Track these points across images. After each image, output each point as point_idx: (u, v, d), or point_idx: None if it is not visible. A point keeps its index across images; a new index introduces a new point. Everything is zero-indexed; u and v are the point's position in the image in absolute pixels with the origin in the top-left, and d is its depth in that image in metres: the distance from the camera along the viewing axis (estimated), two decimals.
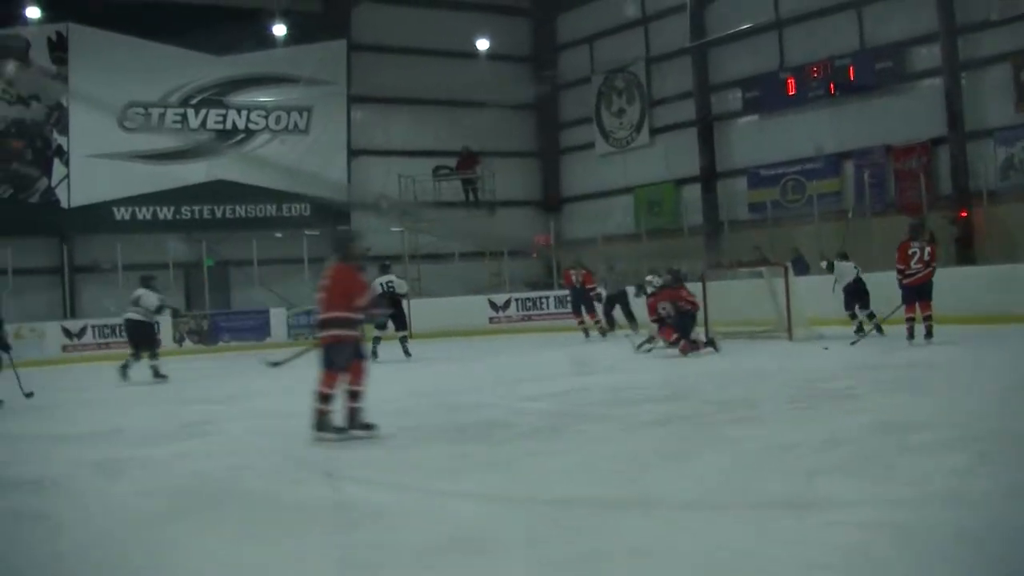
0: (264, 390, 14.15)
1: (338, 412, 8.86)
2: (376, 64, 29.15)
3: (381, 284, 17.77)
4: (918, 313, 15.02)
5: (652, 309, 16.59)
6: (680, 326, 16.06)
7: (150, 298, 16.79)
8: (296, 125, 28.33)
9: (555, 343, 20.52)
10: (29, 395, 13.53)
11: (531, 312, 26.07)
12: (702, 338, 16.38)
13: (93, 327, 23.88)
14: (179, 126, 26.95)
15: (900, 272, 15.18)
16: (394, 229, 27.55)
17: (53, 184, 25.54)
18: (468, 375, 15.68)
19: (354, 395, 8.86)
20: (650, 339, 16.88)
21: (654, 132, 29.91)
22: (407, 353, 18.38)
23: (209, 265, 26.63)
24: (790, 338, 17.07)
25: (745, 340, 17.55)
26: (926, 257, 15.02)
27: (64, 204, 25.61)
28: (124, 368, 16.50)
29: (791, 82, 25.62)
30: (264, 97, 27.90)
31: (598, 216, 29.22)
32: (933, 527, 5.11)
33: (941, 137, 22.69)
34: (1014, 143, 21.75)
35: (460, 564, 5.03)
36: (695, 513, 5.76)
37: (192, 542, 5.71)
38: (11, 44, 24.79)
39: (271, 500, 6.72)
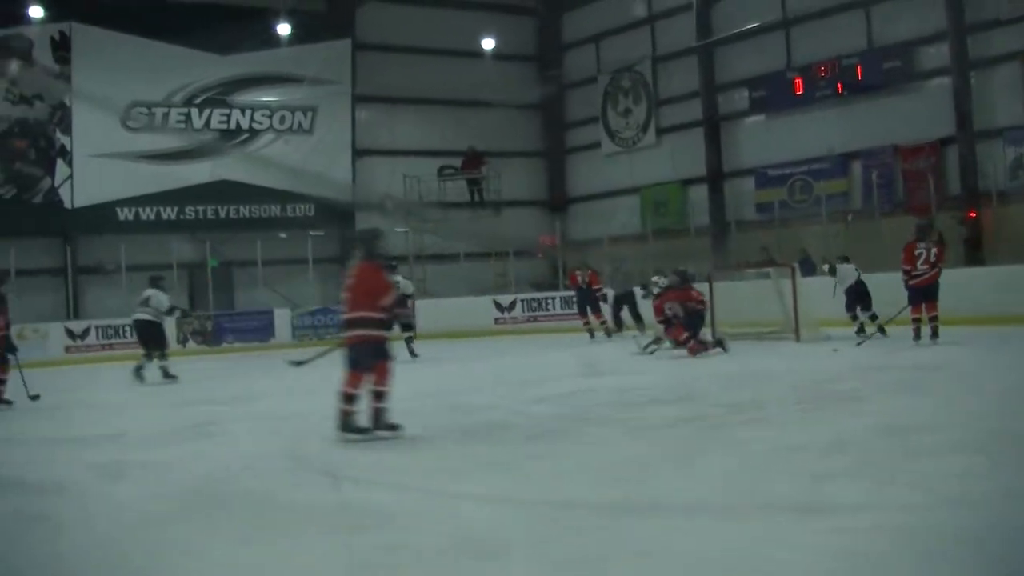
0: (268, 391, 14.20)
1: (363, 413, 8.83)
2: (381, 64, 29.09)
3: None
4: (924, 314, 15.01)
5: (658, 310, 16.53)
6: (690, 326, 15.99)
7: (160, 298, 16.80)
8: (300, 125, 28.27)
9: (561, 344, 20.44)
10: (35, 397, 13.52)
11: (537, 313, 25.98)
12: (709, 339, 16.33)
13: (96, 328, 23.84)
14: (183, 126, 26.93)
15: (906, 273, 15.15)
16: (399, 229, 27.47)
17: (56, 184, 25.50)
18: (473, 376, 15.57)
19: (379, 395, 8.82)
20: (656, 340, 16.79)
21: (660, 132, 29.84)
22: (413, 354, 18.27)
23: (213, 266, 26.55)
24: (797, 339, 16.95)
25: (752, 341, 17.44)
26: (932, 258, 14.99)
27: (67, 204, 25.57)
28: (139, 370, 16.47)
29: (798, 82, 25.58)
30: (268, 97, 27.86)
31: (604, 216, 29.14)
32: (939, 530, 5.06)
33: (950, 137, 22.62)
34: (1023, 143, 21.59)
35: (464, 566, 5.00)
36: (700, 516, 5.70)
37: (195, 544, 5.67)
38: (14, 43, 24.76)
39: (275, 502, 6.67)
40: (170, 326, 21.67)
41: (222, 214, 27.46)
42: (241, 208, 27.62)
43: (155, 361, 16.59)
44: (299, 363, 11.26)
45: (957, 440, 7.42)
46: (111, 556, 5.54)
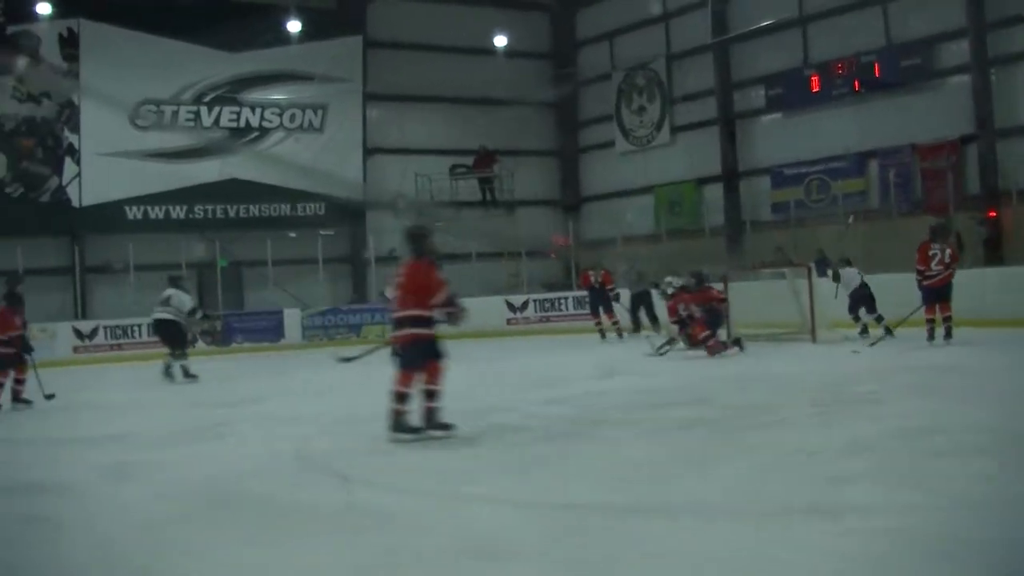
0: (278, 392, 14.28)
1: (415, 412, 8.86)
2: (392, 61, 28.96)
3: None
4: (938, 315, 15.04)
5: (672, 311, 16.54)
6: (711, 324, 15.93)
7: (183, 298, 16.92)
8: (311, 123, 28.15)
9: (573, 345, 20.41)
10: (50, 397, 13.67)
11: (549, 313, 25.83)
12: (726, 339, 16.26)
13: (105, 328, 23.69)
14: (192, 124, 26.86)
15: (920, 273, 15.23)
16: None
17: (64, 183, 25.42)
18: (484, 377, 15.39)
19: (431, 394, 8.83)
20: (670, 341, 16.71)
21: (675, 130, 29.63)
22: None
23: (222, 265, 26.42)
24: (814, 340, 16.83)
25: (768, 343, 17.32)
26: (947, 259, 15.06)
27: (75, 203, 25.49)
28: (168, 369, 16.61)
29: (815, 79, 25.38)
30: (278, 95, 27.77)
31: (618, 216, 28.96)
32: (955, 534, 5.00)
33: (970, 135, 22.39)
34: None
35: (474, 569, 5.00)
36: (712, 518, 5.63)
37: (199, 545, 5.65)
38: (22, 40, 24.68)
39: (283, 504, 6.64)
40: None
41: (231, 213, 27.35)
42: (251, 207, 27.49)
43: (176, 360, 16.72)
44: (348, 359, 11.49)
45: (975, 443, 7.32)
46: (115, 557, 5.54)
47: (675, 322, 16.58)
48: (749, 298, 18.28)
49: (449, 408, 10.46)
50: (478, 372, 16.41)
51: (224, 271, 26.44)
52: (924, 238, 15.39)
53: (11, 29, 24.39)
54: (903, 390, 10.91)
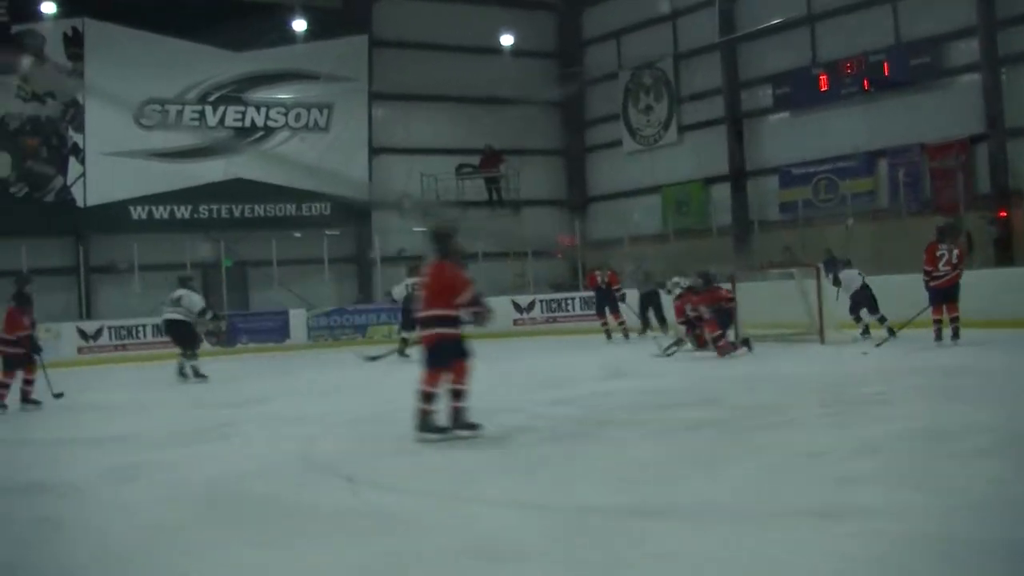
0: (283, 393, 14.28)
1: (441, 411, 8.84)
2: (398, 60, 28.89)
3: (407, 287, 17.64)
4: (945, 315, 15.00)
5: (679, 311, 16.55)
6: (721, 324, 15.87)
7: (193, 299, 16.97)
8: (316, 122, 28.09)
9: (580, 345, 20.40)
10: (59, 396, 13.69)
11: (556, 314, 25.79)
12: (734, 340, 16.19)
13: (109, 328, 23.60)
14: (197, 123, 26.82)
15: (927, 274, 15.22)
16: (416, 229, 27.10)
17: (69, 183, 25.39)
18: (490, 378, 15.16)
19: (457, 394, 8.82)
20: (677, 342, 16.67)
21: (682, 130, 29.54)
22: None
23: (227, 265, 26.35)
24: (822, 341, 16.77)
25: (776, 343, 17.24)
26: (954, 260, 15.04)
27: (80, 203, 25.46)
28: (182, 369, 16.66)
29: (824, 78, 25.27)
30: (284, 94, 27.73)
31: (624, 216, 28.80)
32: (963, 536, 4.97)
33: (980, 135, 22.30)
34: None
35: (478, 570, 4.99)
36: (721, 521, 5.58)
37: (204, 546, 5.63)
38: (26, 40, 24.62)
39: (288, 505, 6.62)
40: None
41: (236, 213, 27.30)
42: (256, 207, 27.44)
43: (187, 360, 16.79)
44: (373, 358, 11.73)
45: (985, 445, 7.26)
46: (117, 557, 5.53)
47: (682, 323, 16.53)
48: (757, 298, 18.21)
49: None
50: (484, 373, 16.29)
51: (229, 271, 26.37)
52: (932, 238, 15.36)
53: (16, 28, 24.38)
54: (911, 391, 10.93)
